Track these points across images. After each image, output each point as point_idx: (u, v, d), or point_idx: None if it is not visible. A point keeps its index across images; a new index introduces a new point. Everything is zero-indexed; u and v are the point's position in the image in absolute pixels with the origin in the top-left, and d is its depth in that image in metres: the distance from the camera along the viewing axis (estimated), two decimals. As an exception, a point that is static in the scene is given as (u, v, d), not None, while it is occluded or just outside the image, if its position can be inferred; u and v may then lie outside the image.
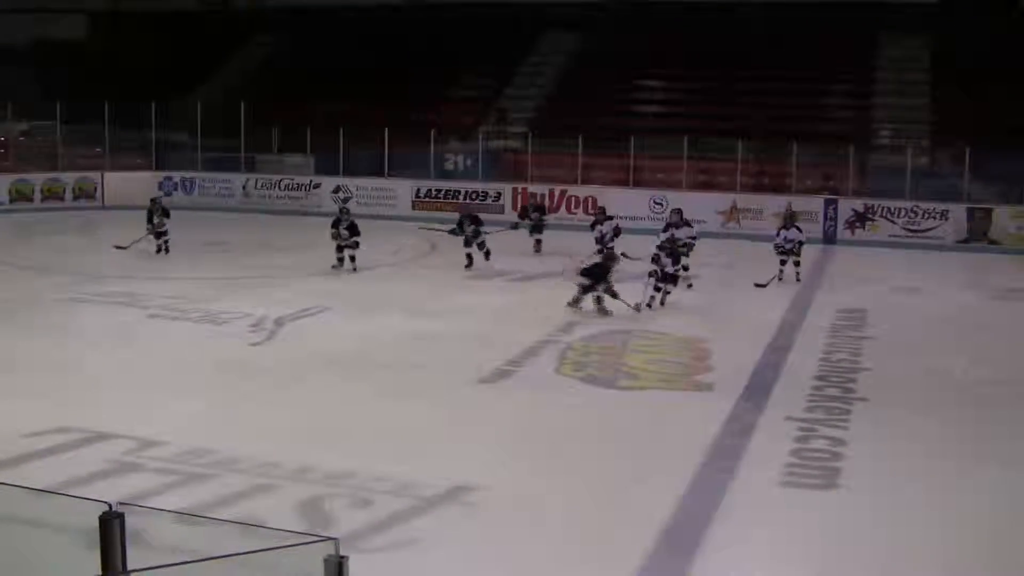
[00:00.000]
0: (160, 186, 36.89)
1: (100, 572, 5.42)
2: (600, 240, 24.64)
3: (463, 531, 10.46)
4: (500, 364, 16.49)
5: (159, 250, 25.93)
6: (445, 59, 39.00)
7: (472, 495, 11.25)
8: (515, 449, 12.79)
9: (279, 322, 19.28)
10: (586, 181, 33.29)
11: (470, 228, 25.27)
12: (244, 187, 36.55)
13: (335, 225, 24.65)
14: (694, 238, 23.87)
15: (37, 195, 36.01)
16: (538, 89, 39.79)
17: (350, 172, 35.59)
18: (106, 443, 12.75)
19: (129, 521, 5.57)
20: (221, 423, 13.59)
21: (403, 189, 34.57)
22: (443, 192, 34.13)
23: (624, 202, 31.66)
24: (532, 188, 32.97)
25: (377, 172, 35.35)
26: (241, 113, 36.51)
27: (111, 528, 5.43)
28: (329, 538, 5.45)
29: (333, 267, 24.25)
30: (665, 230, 23.26)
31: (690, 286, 22.45)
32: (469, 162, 35.73)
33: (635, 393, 15.39)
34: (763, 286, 23.00)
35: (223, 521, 8.35)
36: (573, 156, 33.69)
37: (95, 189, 36.72)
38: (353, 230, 24.41)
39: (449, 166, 35.95)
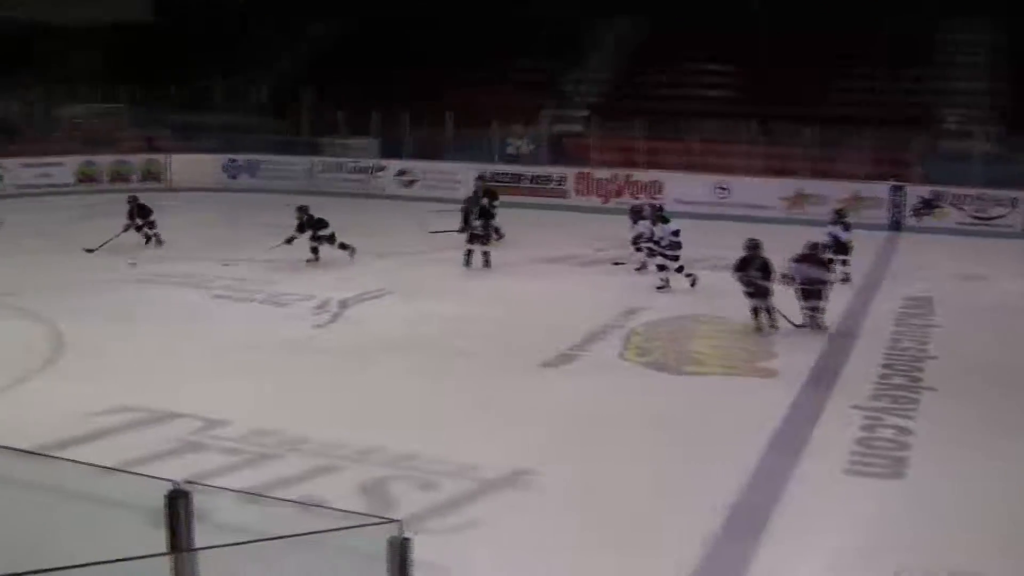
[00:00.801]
0: (224, 168, 37.18)
1: (167, 549, 5.47)
2: (649, 239, 22.33)
3: (524, 515, 10.46)
4: (564, 348, 16.47)
5: (148, 240, 25.57)
6: (509, 42, 38.92)
7: (533, 479, 11.25)
8: (577, 434, 12.77)
9: (343, 304, 19.38)
10: (649, 166, 33.10)
11: (478, 223, 24.05)
12: (309, 170, 36.68)
13: (481, 215, 24.13)
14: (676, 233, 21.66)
15: (104, 177, 36.37)
16: (602, 72, 39.62)
17: (413, 156, 35.62)
18: (172, 423, 12.89)
19: (195, 500, 5.61)
20: (285, 404, 13.68)
21: (465, 173, 34.53)
22: (506, 176, 34.08)
23: (687, 187, 31.50)
24: (598, 173, 32.83)
25: (440, 156, 35.37)
26: (306, 96, 36.67)
27: (178, 506, 5.48)
28: (393, 520, 5.46)
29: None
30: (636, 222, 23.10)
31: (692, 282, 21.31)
32: (532, 146, 35.66)
33: (699, 379, 15.30)
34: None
35: (287, 501, 8.39)
36: (636, 140, 33.51)
37: (161, 171, 37.04)
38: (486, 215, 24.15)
39: (512, 150, 35.88)
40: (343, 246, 23.57)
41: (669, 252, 21.16)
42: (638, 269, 22.37)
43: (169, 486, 5.55)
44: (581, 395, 14.39)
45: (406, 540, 5.25)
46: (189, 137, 38.56)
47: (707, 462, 11.81)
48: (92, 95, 39.15)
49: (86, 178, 36.06)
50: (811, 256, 18.10)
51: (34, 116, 37.02)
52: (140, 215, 25.40)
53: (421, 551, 5.49)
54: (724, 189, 31.63)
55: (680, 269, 21.18)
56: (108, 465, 7.24)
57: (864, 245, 23.67)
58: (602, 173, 32.92)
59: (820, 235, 20.52)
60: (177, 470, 8.88)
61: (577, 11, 39.55)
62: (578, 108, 37.64)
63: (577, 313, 18.87)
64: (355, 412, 13.39)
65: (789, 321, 17.68)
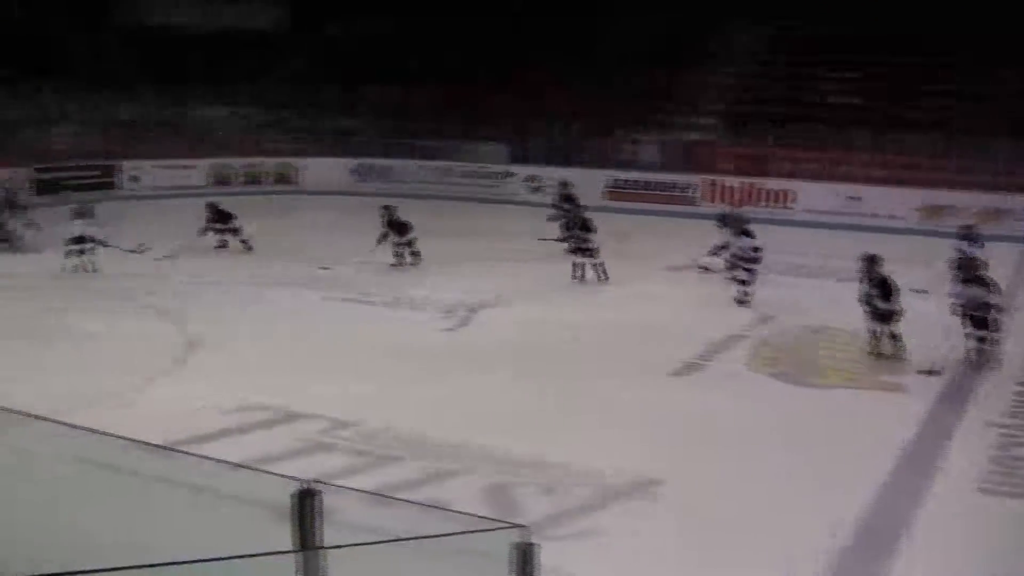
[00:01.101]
0: (354, 172, 37.56)
1: (293, 547, 5.51)
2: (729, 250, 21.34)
3: (648, 524, 10.39)
4: (691, 357, 16.35)
5: (224, 245, 25.58)
6: (639, 48, 38.72)
7: (658, 488, 11.17)
8: (702, 444, 12.65)
9: (471, 308, 19.46)
10: (778, 174, 32.69)
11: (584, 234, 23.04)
12: (438, 174, 36.88)
13: (574, 227, 23.19)
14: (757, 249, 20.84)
15: (237, 179, 37.01)
16: (731, 79, 39.25)
17: (543, 161, 35.61)
18: (301, 422, 13.06)
19: (321, 499, 5.64)
20: (411, 407, 13.75)
21: (593, 179, 34.42)
22: (634, 183, 33.93)
23: (817, 196, 31.05)
24: (728, 180, 32.53)
25: (565, 162, 35.30)
26: (438, 101, 36.89)
27: (305, 505, 5.52)
28: (519, 525, 5.44)
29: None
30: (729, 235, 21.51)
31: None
32: (660, 153, 35.43)
33: (826, 391, 15.05)
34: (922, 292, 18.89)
35: (413, 503, 8.42)
36: (765, 148, 33.16)
37: (292, 174, 37.57)
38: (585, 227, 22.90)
39: (641, 157, 35.67)
40: (414, 253, 23.68)
41: (746, 265, 20.50)
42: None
43: (297, 485, 5.59)
44: (707, 405, 14.25)
45: (531, 546, 5.22)
46: (321, 140, 39.06)
47: (833, 477, 11.59)
48: (227, 98, 39.85)
49: (220, 180, 36.71)
50: (976, 276, 16.51)
51: (169, 119, 37.75)
52: (219, 220, 25.68)
53: (545, 557, 5.46)
54: (855, 199, 31.08)
55: (743, 282, 20.39)
56: (237, 462, 7.32)
57: (1003, 259, 22.94)
58: (730, 181, 32.62)
59: (949, 250, 20.04)
60: (304, 469, 8.97)
61: (706, 18, 39.21)
62: (707, 115, 37.32)
63: (704, 322, 18.71)
64: (480, 416, 13.42)
65: (931, 371, 15.69)
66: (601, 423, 13.29)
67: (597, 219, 28.89)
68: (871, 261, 16.97)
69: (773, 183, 32.18)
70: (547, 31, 40.32)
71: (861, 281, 16.98)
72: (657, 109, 37.03)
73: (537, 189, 34.66)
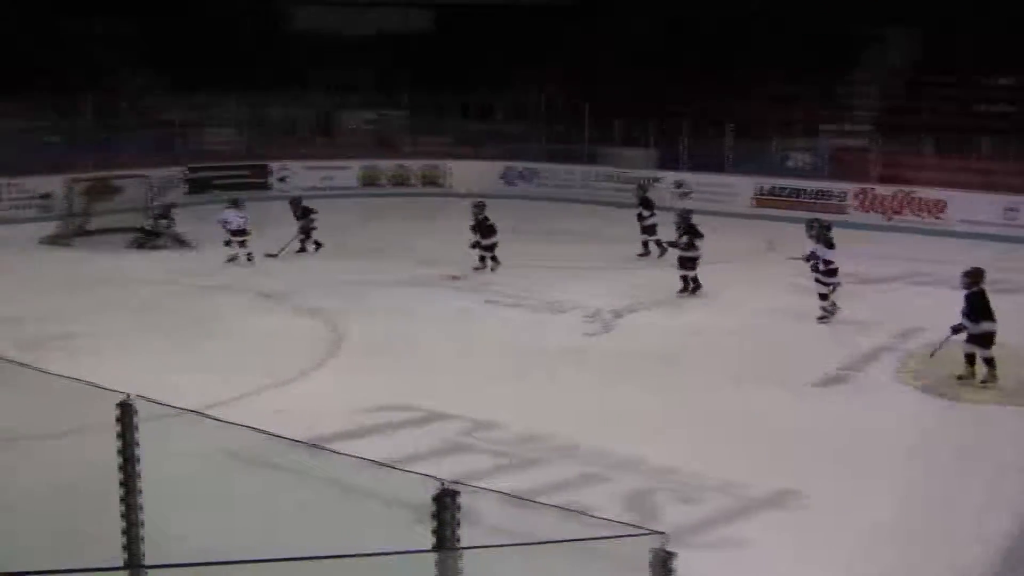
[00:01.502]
0: (503, 175, 37.76)
1: (432, 546, 5.55)
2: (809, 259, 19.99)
3: (788, 536, 10.26)
4: (836, 367, 16.09)
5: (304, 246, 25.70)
6: (789, 54, 38.27)
7: (799, 500, 11.02)
8: (846, 456, 12.43)
9: (615, 314, 19.41)
10: (935, 184, 31.95)
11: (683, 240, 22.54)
12: (585, 179, 36.88)
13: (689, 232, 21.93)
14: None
15: (385, 181, 37.50)
16: (886, 86, 38.53)
17: (691, 167, 35.39)
18: (443, 422, 13.17)
19: (462, 500, 5.67)
20: (554, 411, 13.77)
21: (744, 186, 34.10)
22: (785, 190, 33.52)
23: (973, 207, 30.27)
24: (879, 189, 31.92)
25: (718, 168, 35.02)
26: (585, 106, 36.87)
27: (445, 505, 5.55)
28: (658, 532, 5.40)
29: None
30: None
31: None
32: (812, 160, 34.93)
33: (978, 407, 14.65)
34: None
35: (552, 507, 8.43)
36: (920, 156, 32.45)
37: (440, 177, 37.91)
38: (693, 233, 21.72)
39: (791, 164, 35.22)
40: (493, 258, 23.39)
41: (825, 279, 19.63)
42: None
43: (438, 485, 5.62)
44: (852, 416, 14.01)
45: (670, 553, 5.18)
46: (469, 144, 39.38)
47: (980, 496, 11.30)
48: (376, 102, 40.41)
49: (369, 182, 37.25)
50: None
51: (320, 122, 38.40)
52: (302, 216, 25.77)
53: (684, 566, 5.42)
54: (1012, 210, 30.21)
55: (824, 296, 19.50)
56: (378, 461, 7.40)
57: None
58: (883, 189, 31.98)
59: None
60: (445, 469, 9.03)
61: (861, 23, 38.57)
62: (861, 122, 36.68)
63: (853, 332, 18.38)
64: (621, 422, 13.38)
65: None
66: (743, 434, 13.15)
67: (745, 226, 28.66)
68: (975, 276, 16.08)
69: (925, 192, 31.43)
70: (696, 36, 40.08)
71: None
72: (810, 115, 36.53)
73: (685, 195, 34.42)
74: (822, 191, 32.76)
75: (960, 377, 15.50)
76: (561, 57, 43.26)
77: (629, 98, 37.69)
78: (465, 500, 5.75)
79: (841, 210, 31.99)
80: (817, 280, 19.61)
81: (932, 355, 15.91)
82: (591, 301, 20.18)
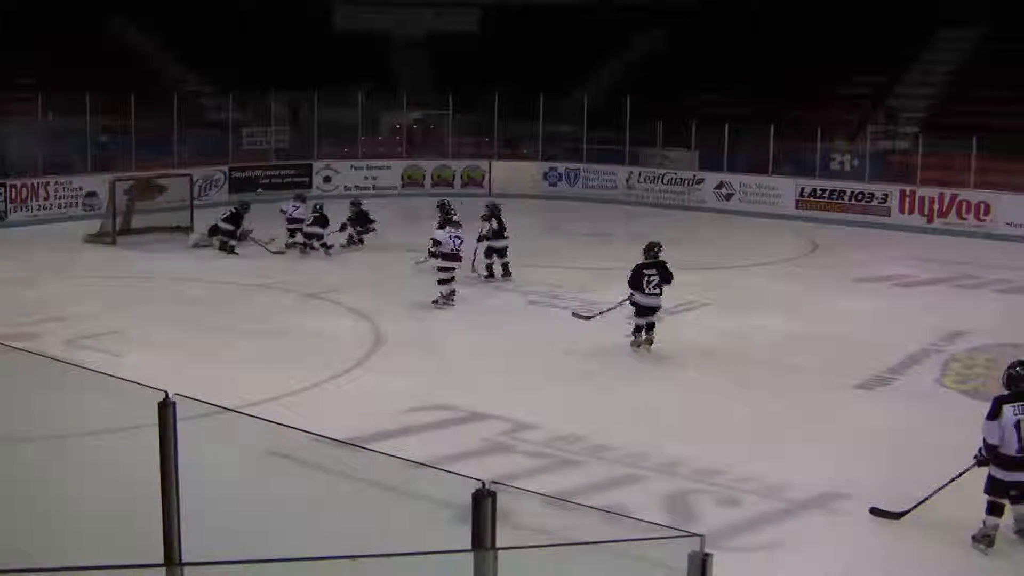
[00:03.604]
0: (545, 176, 37.78)
1: (469, 547, 5.55)
2: None
3: (829, 539, 10.23)
4: (879, 371, 15.99)
5: (356, 243, 25.81)
6: (834, 56, 38.07)
7: (840, 503, 10.97)
8: (890, 460, 12.35)
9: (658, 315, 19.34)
10: (979, 186, 31.68)
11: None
12: (627, 180, 36.82)
13: None
14: None
15: (427, 181, 37.59)
16: (931, 88, 38.22)
17: (733, 169, 35.26)
18: (482, 423, 13.18)
19: (499, 501, 5.67)
20: (593, 411, 13.77)
21: (786, 188, 33.94)
22: (827, 192, 33.34)
23: (1020, 209, 30.00)
24: (923, 191, 31.68)
25: (760, 170, 34.87)
26: (626, 107, 36.80)
27: (483, 505, 5.53)
28: (695, 534, 5.38)
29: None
30: None
31: None
32: (856, 162, 34.72)
33: None
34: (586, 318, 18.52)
35: (589, 508, 8.42)
36: (966, 158, 32.13)
37: (482, 177, 37.94)
38: None
39: (835, 166, 35.01)
40: (506, 270, 22.59)
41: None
42: None
43: (476, 485, 5.62)
44: (896, 420, 13.92)
45: (707, 555, 5.16)
46: (511, 144, 39.43)
47: None
48: (418, 102, 40.53)
49: (411, 182, 37.34)
50: None
51: (364, 121, 38.50)
52: (359, 222, 25.82)
53: (721, 568, 5.39)
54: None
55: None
56: (417, 460, 7.42)
57: None
58: (927, 191, 31.75)
59: None
60: (483, 469, 9.04)
61: (907, 25, 38.32)
62: (905, 124, 36.44)
63: (896, 335, 18.26)
64: (661, 423, 13.37)
65: None
66: (786, 435, 13.09)
67: (785, 226, 28.51)
68: None
69: (970, 194, 31.17)
70: (736, 38, 39.95)
71: None
72: (856, 117, 36.34)
73: (727, 197, 34.32)
74: (864, 193, 32.54)
75: None
76: (604, 58, 43.26)
77: (672, 99, 37.58)
78: (503, 501, 5.74)
79: (884, 212, 31.82)
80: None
81: None
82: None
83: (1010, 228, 29.18)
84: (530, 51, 41.20)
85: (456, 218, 21.20)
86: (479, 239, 22.33)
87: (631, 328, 17.16)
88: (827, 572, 9.60)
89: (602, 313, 17.95)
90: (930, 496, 10.31)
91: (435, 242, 20.22)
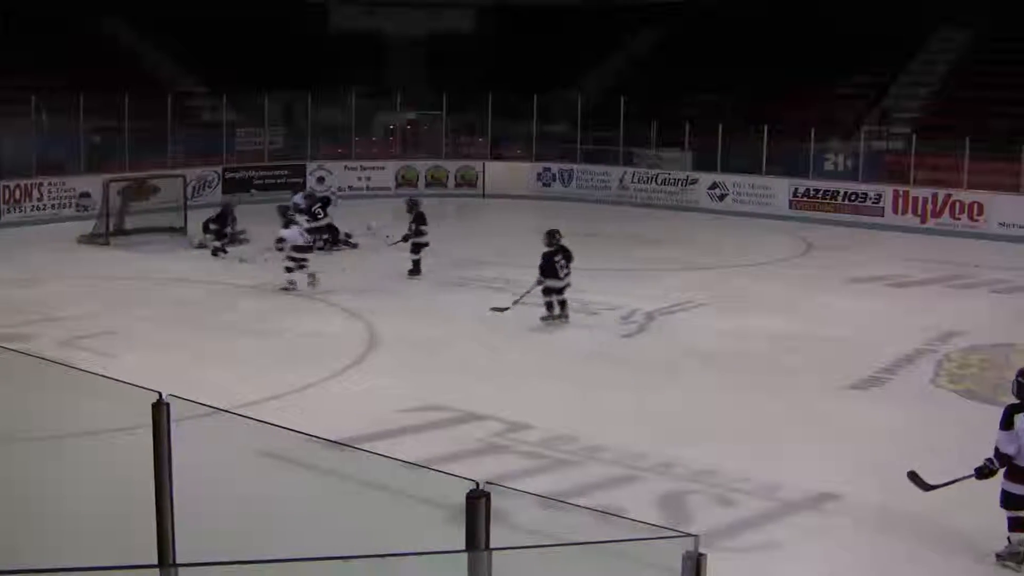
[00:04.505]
0: (538, 177, 37.79)
1: (463, 547, 5.54)
2: None
3: (823, 540, 10.24)
4: (872, 371, 16.01)
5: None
6: (828, 56, 38.07)
7: (834, 504, 10.98)
8: (884, 460, 12.33)
9: (650, 316, 19.37)
10: (972, 186, 31.70)
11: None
12: (621, 180, 36.83)
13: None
14: None
15: (422, 181, 37.61)
16: (925, 88, 38.28)
17: (727, 169, 35.26)
18: (477, 423, 13.18)
19: (493, 501, 5.67)
20: (588, 412, 13.77)
21: (780, 188, 33.96)
22: (821, 192, 33.36)
23: (1012, 210, 30.06)
24: (916, 191, 31.69)
25: (754, 170, 34.88)
26: (620, 107, 36.81)
27: (477, 506, 5.53)
28: (689, 534, 5.38)
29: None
30: None
31: None
32: (849, 162, 34.73)
33: (1016, 410, 14.55)
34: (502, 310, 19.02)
35: (584, 508, 8.43)
36: (959, 159, 32.16)
37: (476, 177, 37.96)
38: None
39: (828, 166, 35.02)
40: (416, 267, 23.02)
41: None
42: None
43: (470, 485, 5.62)
44: (889, 420, 13.92)
45: (702, 556, 5.16)
46: (504, 144, 39.44)
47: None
48: (413, 102, 40.55)
49: (405, 182, 37.35)
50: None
51: (358, 121, 38.50)
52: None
53: (716, 568, 5.39)
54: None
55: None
56: (411, 461, 7.41)
57: None
58: (920, 191, 31.78)
59: None
60: (478, 470, 9.04)
61: (901, 26, 38.33)
62: (899, 124, 36.46)
63: (889, 335, 18.28)
64: (656, 423, 13.37)
65: None
66: (780, 435, 13.11)
67: (779, 227, 28.58)
68: None
69: (963, 195, 31.21)
70: (731, 38, 39.94)
71: None
72: (850, 117, 36.37)
73: (721, 197, 34.35)
74: (857, 193, 32.58)
75: None
76: (598, 60, 43.27)
77: (666, 99, 37.60)
78: (497, 501, 5.74)
79: (877, 212, 31.87)
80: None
81: None
82: (625, 302, 20.15)
83: (1003, 228, 29.23)
84: (524, 51, 41.23)
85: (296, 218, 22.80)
86: (403, 238, 23.00)
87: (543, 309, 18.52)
88: (821, 572, 9.61)
89: (516, 303, 18.57)
90: (960, 480, 10.15)
91: (281, 239, 21.45)
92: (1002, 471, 9.79)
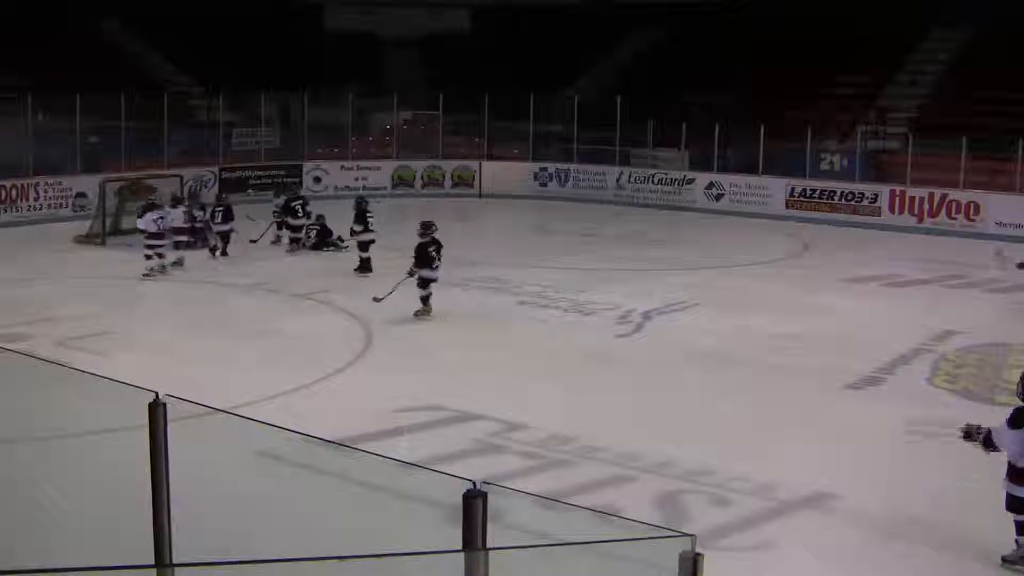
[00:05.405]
0: (535, 177, 37.77)
1: (460, 547, 5.54)
2: None
3: (820, 539, 10.23)
4: (869, 371, 16.00)
5: None
6: (824, 56, 38.09)
7: (831, 503, 10.98)
8: (881, 460, 12.37)
9: (646, 315, 19.36)
10: (969, 186, 31.72)
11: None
12: (618, 180, 36.82)
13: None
14: None
15: (418, 181, 37.59)
16: (921, 88, 38.30)
17: (724, 169, 35.26)
18: (474, 423, 13.16)
19: (490, 501, 5.67)
20: (584, 412, 13.75)
21: (777, 188, 33.94)
22: (818, 192, 33.36)
23: (1009, 209, 30.08)
24: (913, 191, 31.70)
25: (751, 170, 34.86)
26: (617, 107, 36.79)
27: (474, 506, 5.53)
28: (686, 534, 5.38)
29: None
30: None
31: None
32: (846, 162, 34.73)
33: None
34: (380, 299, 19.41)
35: (581, 508, 8.42)
36: (955, 158, 32.14)
37: (472, 177, 37.94)
38: None
39: (825, 166, 35.00)
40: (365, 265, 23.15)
41: None
42: None
43: (467, 485, 5.62)
44: (886, 419, 13.90)
45: (698, 555, 5.16)
46: (501, 145, 39.41)
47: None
48: (410, 102, 40.52)
49: (402, 182, 37.33)
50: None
51: (354, 121, 38.48)
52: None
53: (712, 568, 5.40)
54: (1049, 213, 29.92)
55: None
56: (408, 461, 7.42)
57: None
58: (917, 191, 31.78)
59: None
60: (475, 470, 9.04)
61: (897, 26, 38.34)
62: (896, 124, 36.45)
63: (886, 335, 18.28)
64: (653, 423, 13.36)
65: None
66: (777, 435, 13.09)
67: (776, 227, 28.60)
68: None
69: (960, 194, 31.21)
70: (727, 38, 39.95)
71: None
72: (847, 117, 36.37)
73: (718, 197, 34.35)
74: (854, 193, 32.58)
75: None
76: (595, 59, 43.28)
77: (662, 99, 37.56)
78: (494, 501, 5.74)
79: (874, 212, 31.87)
80: None
81: None
82: (622, 302, 20.14)
83: (1000, 228, 29.23)
84: (520, 51, 41.23)
85: (157, 202, 24.07)
86: (351, 235, 23.41)
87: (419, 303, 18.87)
88: (818, 572, 9.61)
89: (391, 292, 19.08)
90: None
91: (140, 229, 22.66)
92: (1005, 473, 9.75)
